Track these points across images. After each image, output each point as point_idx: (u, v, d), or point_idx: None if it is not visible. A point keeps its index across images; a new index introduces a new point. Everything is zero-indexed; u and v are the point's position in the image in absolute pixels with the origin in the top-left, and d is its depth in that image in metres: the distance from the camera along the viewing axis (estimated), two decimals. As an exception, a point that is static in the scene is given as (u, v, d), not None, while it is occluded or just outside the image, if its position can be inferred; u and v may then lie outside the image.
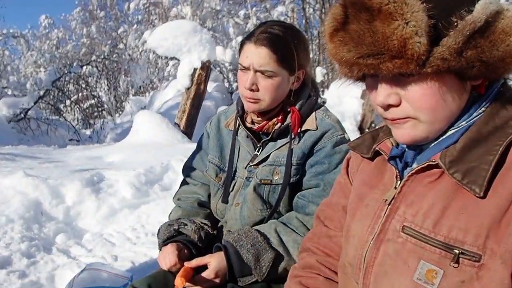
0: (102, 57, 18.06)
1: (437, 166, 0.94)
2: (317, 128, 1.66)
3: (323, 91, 11.77)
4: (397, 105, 0.94)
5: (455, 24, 0.84)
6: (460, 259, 0.87)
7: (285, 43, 1.60)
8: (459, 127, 0.95)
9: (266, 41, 1.58)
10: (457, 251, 0.87)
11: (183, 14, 17.06)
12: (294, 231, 1.60)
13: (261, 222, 1.70)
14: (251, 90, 1.62)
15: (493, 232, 0.84)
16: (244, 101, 1.68)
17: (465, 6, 0.85)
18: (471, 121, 0.95)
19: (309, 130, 1.66)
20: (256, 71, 1.60)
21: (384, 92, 0.94)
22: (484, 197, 0.86)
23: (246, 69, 1.62)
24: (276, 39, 1.59)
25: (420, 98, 0.90)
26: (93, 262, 2.80)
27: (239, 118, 1.77)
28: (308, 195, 1.63)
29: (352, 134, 7.10)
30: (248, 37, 1.64)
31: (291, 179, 1.65)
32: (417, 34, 0.82)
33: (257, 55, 1.58)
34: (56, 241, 3.69)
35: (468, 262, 0.86)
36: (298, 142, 1.66)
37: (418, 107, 0.91)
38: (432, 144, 0.99)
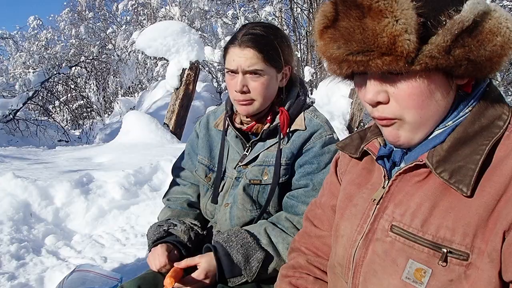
0: (91, 57, 17.95)
1: (424, 165, 0.95)
2: (306, 128, 1.66)
3: (311, 91, 11.79)
4: (386, 103, 0.94)
5: (444, 23, 0.85)
6: (448, 258, 0.87)
7: (269, 41, 1.62)
8: (446, 126, 0.96)
9: (251, 42, 1.59)
10: (445, 250, 0.87)
11: (172, 15, 17.02)
12: (284, 231, 1.61)
13: (251, 222, 1.70)
14: (243, 92, 1.62)
15: (480, 231, 0.85)
16: (237, 106, 1.68)
17: (454, 5, 0.86)
18: (457, 120, 0.95)
19: (298, 130, 1.67)
20: (244, 72, 1.61)
21: (373, 90, 0.94)
22: (471, 196, 0.87)
23: (234, 72, 1.63)
24: (260, 39, 1.60)
25: (408, 97, 0.91)
26: (82, 264, 2.78)
27: (228, 118, 1.77)
28: (297, 195, 1.64)
29: (341, 133, 7.13)
30: (232, 42, 1.65)
31: (280, 179, 1.65)
32: (407, 31, 0.83)
33: (244, 57, 1.59)
34: (46, 243, 3.66)
35: (456, 261, 0.87)
36: (287, 142, 1.66)
37: (405, 106, 0.92)
38: (420, 144, 0.99)
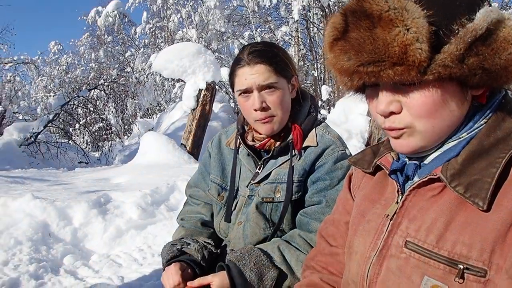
0: (109, 80, 18.27)
1: (438, 179, 0.93)
2: (317, 145, 1.66)
3: (329, 109, 11.77)
4: (398, 113, 0.93)
5: (456, 31, 0.84)
6: (465, 274, 0.85)
7: (275, 53, 1.65)
8: (460, 138, 0.94)
9: (259, 58, 1.61)
10: (461, 267, 0.85)
11: (189, 37, 17.28)
12: (298, 249, 1.59)
13: (264, 240, 1.69)
14: (263, 109, 1.62)
15: (498, 246, 0.82)
16: (258, 126, 1.67)
17: (466, 14, 0.85)
18: (472, 132, 0.93)
19: (309, 146, 1.66)
20: (260, 89, 1.62)
21: (385, 100, 0.93)
22: (488, 210, 0.85)
23: (249, 92, 1.63)
24: (267, 53, 1.63)
25: (421, 106, 0.89)
26: (97, 283, 2.81)
27: (239, 137, 1.77)
28: (310, 212, 1.62)
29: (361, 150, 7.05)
30: (238, 63, 1.66)
31: (293, 196, 1.64)
32: (418, 40, 0.82)
33: (256, 73, 1.60)
34: (64, 263, 3.70)
35: (474, 277, 0.84)
36: (299, 159, 1.66)
37: (417, 115, 0.90)
38: (433, 157, 0.98)
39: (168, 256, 1.74)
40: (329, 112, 10.45)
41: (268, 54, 1.63)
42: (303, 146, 1.67)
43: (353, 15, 0.89)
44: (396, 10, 0.84)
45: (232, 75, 1.70)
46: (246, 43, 17.43)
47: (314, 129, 1.71)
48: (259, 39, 15.22)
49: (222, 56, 17.67)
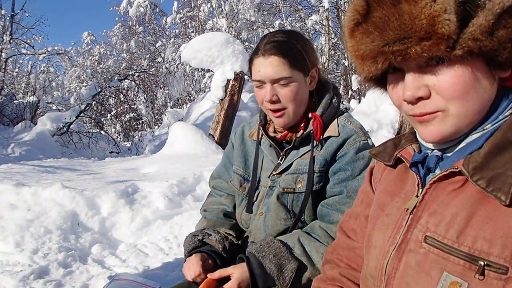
0: (139, 71, 18.52)
1: (460, 173, 0.89)
2: (339, 135, 1.63)
3: (359, 99, 11.60)
4: (427, 98, 0.89)
5: (483, 5, 0.81)
6: (486, 271, 0.81)
7: (292, 46, 1.60)
8: (484, 130, 0.90)
9: (274, 49, 1.58)
10: (482, 263, 0.82)
11: (219, 26, 17.30)
12: (318, 240, 1.57)
13: (285, 231, 1.67)
14: (273, 102, 1.61)
15: None
16: (272, 117, 1.68)
17: None
18: (496, 124, 0.90)
19: (331, 136, 1.64)
20: (273, 82, 1.60)
21: (412, 85, 0.89)
22: (510, 205, 0.81)
23: (262, 82, 1.62)
24: (283, 44, 1.59)
25: (452, 86, 0.85)
26: (121, 273, 2.82)
27: (261, 128, 1.76)
28: (331, 203, 1.60)
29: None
30: (255, 53, 1.65)
31: (314, 187, 1.62)
32: (446, 11, 0.79)
33: (270, 65, 1.58)
34: (92, 252, 3.77)
35: (494, 274, 0.81)
36: (321, 149, 1.63)
37: (449, 97, 0.86)
38: (456, 149, 0.94)
39: (190, 247, 1.75)
40: (359, 102, 10.32)
41: (285, 46, 1.60)
42: (325, 136, 1.64)
43: None
44: None
45: (249, 63, 1.69)
46: (275, 33, 17.36)
47: (336, 119, 1.68)
48: (289, 28, 15.08)
49: (252, 45, 17.62)
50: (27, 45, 16.27)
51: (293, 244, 1.57)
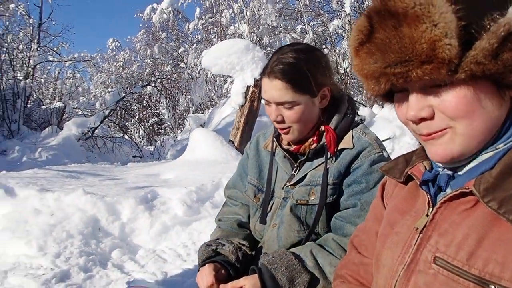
0: (161, 77, 18.71)
1: (471, 193, 0.87)
2: (353, 147, 1.62)
3: (382, 105, 11.47)
4: (431, 118, 0.88)
5: (488, 27, 0.79)
6: None
7: (297, 69, 1.59)
8: (496, 149, 0.88)
9: (278, 73, 1.58)
10: (493, 287, 0.80)
11: (241, 32, 17.35)
12: (331, 253, 1.56)
13: (298, 243, 1.67)
14: (278, 122, 1.64)
15: None
16: (280, 132, 1.70)
17: (497, 10, 0.80)
18: (509, 143, 0.88)
19: (345, 148, 1.63)
20: (277, 104, 1.61)
21: (415, 106, 0.88)
22: None
23: (269, 102, 1.64)
24: (288, 68, 1.58)
25: (456, 107, 0.84)
26: (136, 279, 2.88)
27: (275, 139, 1.77)
28: (345, 216, 1.60)
29: (413, 148, 6.87)
30: (264, 71, 1.65)
31: (328, 199, 1.61)
32: (447, 36, 0.78)
33: (273, 89, 1.60)
34: (112, 256, 3.84)
35: None
36: (335, 161, 1.62)
37: (454, 116, 0.85)
38: (468, 168, 0.92)
39: (204, 257, 1.76)
40: (382, 107, 10.20)
41: (290, 69, 1.59)
42: (339, 148, 1.63)
43: (378, 16, 0.86)
44: (422, 6, 0.80)
45: (260, 78, 1.71)
46: (298, 38, 17.31)
47: (350, 131, 1.67)
48: (311, 34, 15.01)
49: (273, 50, 17.58)
50: (54, 53, 16.65)
51: (306, 256, 1.56)
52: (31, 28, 15.44)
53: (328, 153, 1.63)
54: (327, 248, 1.58)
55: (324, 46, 14.73)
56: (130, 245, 4.09)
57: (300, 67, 1.59)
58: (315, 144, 1.66)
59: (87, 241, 3.96)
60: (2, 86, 13.67)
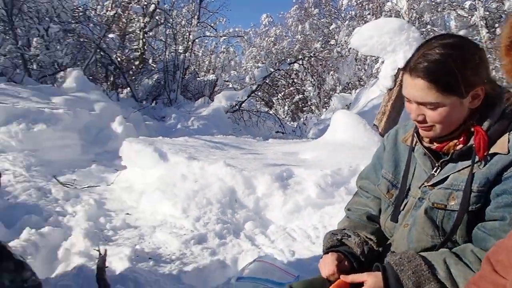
0: (308, 55, 18.78)
1: None
2: (508, 152, 1.42)
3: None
4: None
5: None
6: None
7: (444, 69, 1.42)
8: None
9: (422, 72, 1.43)
10: None
11: (398, 8, 16.42)
12: (468, 266, 1.42)
13: (431, 249, 1.55)
14: (419, 122, 1.52)
15: None
16: (418, 127, 1.58)
17: None
18: None
19: (498, 153, 1.43)
20: (418, 103, 1.48)
21: None
22: None
23: (409, 100, 1.52)
24: (433, 67, 1.42)
25: None
26: (263, 255, 2.97)
27: (416, 135, 1.64)
28: (490, 228, 1.42)
29: None
30: (406, 65, 1.51)
31: (470, 207, 1.45)
32: None
33: (415, 88, 1.46)
34: (245, 228, 4.05)
35: None
36: (483, 166, 1.45)
37: None
38: None
39: (328, 245, 1.75)
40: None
41: (435, 68, 1.42)
42: (491, 152, 1.45)
43: None
44: None
45: (402, 73, 1.58)
46: (465, 15, 15.71)
47: (507, 134, 1.46)
48: (482, 11, 13.46)
49: (434, 29, 16.26)
50: (211, 28, 17.76)
51: (438, 264, 1.44)
52: (193, 4, 16.59)
53: (476, 156, 1.46)
54: (464, 259, 1.43)
55: (497, 25, 13.09)
56: (263, 219, 4.24)
57: (447, 66, 1.42)
58: (461, 145, 1.51)
59: (224, 210, 4.22)
60: (165, 58, 14.97)
